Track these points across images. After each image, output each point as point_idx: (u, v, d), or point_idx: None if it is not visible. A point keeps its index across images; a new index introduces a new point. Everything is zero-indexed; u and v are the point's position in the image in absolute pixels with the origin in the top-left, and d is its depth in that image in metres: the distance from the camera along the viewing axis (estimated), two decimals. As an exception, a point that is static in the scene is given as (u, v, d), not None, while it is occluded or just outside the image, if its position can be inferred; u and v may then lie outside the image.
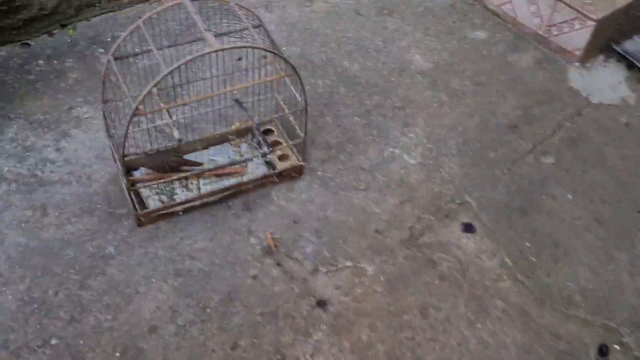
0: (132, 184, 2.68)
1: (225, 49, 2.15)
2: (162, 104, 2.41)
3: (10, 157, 2.78)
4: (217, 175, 2.77)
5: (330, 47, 3.57)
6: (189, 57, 2.11)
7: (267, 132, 2.98)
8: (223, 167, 2.66)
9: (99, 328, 2.28)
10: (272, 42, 2.54)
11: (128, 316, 2.32)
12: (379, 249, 2.64)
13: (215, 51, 2.12)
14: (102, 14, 3.52)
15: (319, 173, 2.91)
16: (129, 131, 2.20)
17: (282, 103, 2.86)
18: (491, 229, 2.74)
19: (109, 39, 3.37)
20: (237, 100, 2.76)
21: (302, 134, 2.73)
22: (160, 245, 2.55)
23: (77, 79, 3.16)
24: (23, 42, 3.31)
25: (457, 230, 2.74)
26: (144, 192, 2.68)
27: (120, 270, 2.45)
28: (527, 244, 2.71)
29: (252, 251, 2.57)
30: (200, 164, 2.74)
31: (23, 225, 2.55)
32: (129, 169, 2.71)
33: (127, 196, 2.44)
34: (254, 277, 2.49)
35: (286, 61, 2.39)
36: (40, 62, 3.23)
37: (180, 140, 2.29)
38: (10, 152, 2.80)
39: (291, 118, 2.80)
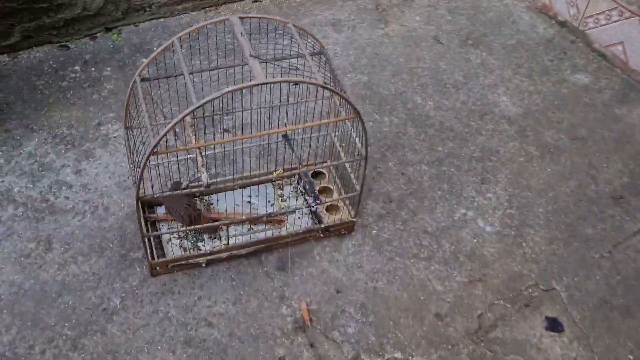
0: (151, 222, 2.28)
1: (270, 82, 1.71)
2: (193, 138, 1.99)
3: (24, 176, 2.44)
4: (251, 223, 2.33)
5: (402, 78, 3.08)
6: (225, 90, 1.68)
7: (317, 175, 2.53)
8: (260, 218, 2.22)
9: (84, 403, 1.87)
10: (334, 76, 2.08)
11: (121, 393, 1.91)
12: (438, 340, 2.13)
13: (257, 85, 1.69)
14: (151, 19, 3.17)
15: (373, 232, 2.43)
16: (144, 170, 1.79)
17: (338, 145, 2.39)
18: (584, 331, 2.17)
19: (155, 48, 3.01)
20: (285, 137, 2.32)
21: (357, 187, 2.26)
22: (174, 303, 2.13)
23: (112, 91, 2.81)
24: (62, 43, 3.00)
25: (539, 327, 2.18)
26: (165, 234, 2.27)
27: (123, 331, 2.04)
28: (630, 356, 2.13)
29: (281, 323, 2.11)
30: (218, 222, 2.29)
31: (22, 259, 2.19)
32: (149, 205, 2.32)
33: (142, 241, 2.04)
34: None
35: (349, 102, 1.92)
36: (77, 67, 2.90)
37: (208, 186, 1.87)
38: (25, 169, 2.46)
39: (348, 166, 2.33)
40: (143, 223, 2.17)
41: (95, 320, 2.06)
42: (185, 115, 1.68)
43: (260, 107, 2.24)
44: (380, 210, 2.50)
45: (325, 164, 2.44)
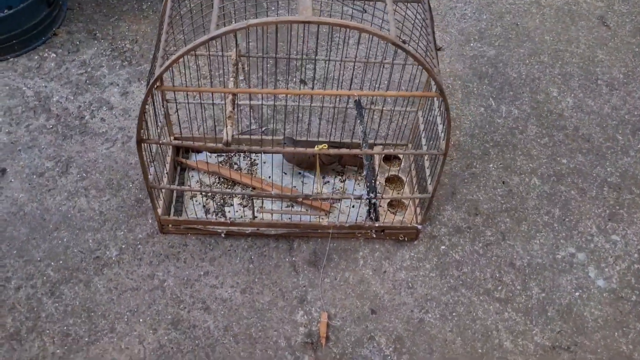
0: (182, 169, 1.92)
1: (314, 22, 1.21)
2: (231, 81, 1.56)
3: (68, 85, 2.18)
4: (292, 200, 1.89)
5: (541, 61, 2.40)
6: (250, 22, 1.21)
7: (392, 159, 2.01)
8: (294, 197, 1.76)
9: (39, 361, 1.59)
10: (428, 35, 1.52)
11: (80, 362, 1.60)
12: (483, 415, 1.58)
13: (293, 22, 1.20)
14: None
15: (442, 247, 1.88)
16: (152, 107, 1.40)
17: (422, 128, 1.84)
18: None
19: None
20: (357, 103, 1.82)
21: (430, 188, 1.71)
22: (175, 272, 1.77)
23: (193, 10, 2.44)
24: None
25: None
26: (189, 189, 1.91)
27: (108, 289, 1.73)
28: None
29: (291, 332, 1.68)
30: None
31: (34, 178, 1.94)
32: (185, 150, 1.95)
33: (148, 193, 1.67)
34: (274, 377, 1.61)
35: (431, 74, 1.37)
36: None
37: (227, 144, 1.44)
38: (72, 78, 2.20)
39: (426, 159, 1.79)
40: (167, 169, 1.81)
41: (84, 268, 1.76)
42: (193, 48, 1.25)
43: (333, 60, 1.74)
44: (459, 222, 1.94)
45: (386, 146, 1.89)
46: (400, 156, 1.99)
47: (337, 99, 1.93)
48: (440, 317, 1.74)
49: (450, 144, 1.56)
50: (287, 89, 1.90)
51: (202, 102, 1.75)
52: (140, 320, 1.68)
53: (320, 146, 1.59)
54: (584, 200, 2.01)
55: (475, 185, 2.03)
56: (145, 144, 1.51)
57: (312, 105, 1.80)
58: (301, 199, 1.67)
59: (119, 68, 2.25)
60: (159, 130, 1.71)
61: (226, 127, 1.48)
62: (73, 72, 2.22)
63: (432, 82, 1.53)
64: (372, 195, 1.66)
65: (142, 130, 1.47)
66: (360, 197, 1.68)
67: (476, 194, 2.01)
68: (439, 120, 1.61)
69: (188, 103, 1.84)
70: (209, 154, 1.98)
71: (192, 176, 1.95)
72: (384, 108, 1.87)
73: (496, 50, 2.44)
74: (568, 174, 2.08)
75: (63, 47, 2.30)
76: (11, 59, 2.23)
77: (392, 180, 1.96)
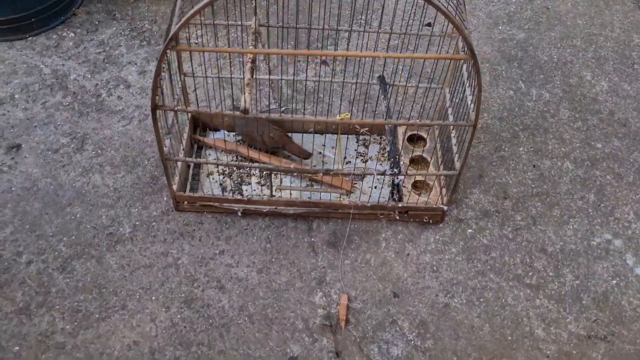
0: (199, 147, 1.87)
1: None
2: (250, 47, 1.50)
3: (86, 64, 2.15)
4: (312, 180, 1.82)
5: (573, 45, 2.30)
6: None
7: (417, 139, 1.93)
8: (313, 172, 1.69)
9: (44, 339, 1.53)
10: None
11: (89, 339, 1.54)
12: (513, 405, 1.48)
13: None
14: None
15: (469, 231, 1.79)
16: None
17: (448, 103, 1.76)
18: None
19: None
20: (381, 79, 1.74)
21: (457, 165, 1.62)
22: (189, 250, 1.70)
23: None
24: None
25: None
26: (206, 166, 1.85)
27: (121, 265, 1.67)
28: None
29: (309, 313, 1.60)
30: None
31: (49, 153, 1.89)
32: (204, 128, 1.90)
33: (163, 165, 1.61)
34: None
35: (461, 33, 1.29)
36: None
37: (245, 112, 1.38)
38: (90, 57, 2.17)
39: (453, 136, 1.70)
40: (183, 145, 1.76)
41: (97, 244, 1.70)
42: (211, 1, 1.18)
43: (364, 31, 1.67)
44: (487, 206, 1.84)
45: (410, 126, 1.80)
46: (425, 136, 1.91)
47: (361, 76, 1.86)
48: (467, 303, 1.64)
49: (479, 114, 1.47)
50: (307, 65, 1.84)
51: (220, 76, 1.69)
52: (153, 298, 1.61)
53: (342, 115, 1.51)
54: (621, 185, 1.90)
55: (504, 168, 1.93)
56: (160, 111, 1.45)
57: (332, 80, 1.73)
58: (321, 175, 1.59)
59: (137, 47, 2.21)
60: (175, 102, 1.65)
61: (244, 94, 1.41)
62: (91, 51, 2.19)
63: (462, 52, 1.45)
64: (395, 170, 1.57)
65: (157, 97, 1.42)
66: (383, 173, 1.60)
67: (505, 177, 1.91)
68: (467, 90, 1.53)
69: (206, 77, 1.78)
70: (227, 133, 1.92)
71: (209, 154, 1.89)
72: (408, 84, 1.79)
73: (526, 33, 2.34)
74: (603, 158, 1.97)
75: (82, 27, 2.27)
76: (30, 38, 2.20)
77: (417, 162, 1.88)
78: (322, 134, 1.94)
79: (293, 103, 2.04)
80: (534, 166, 1.94)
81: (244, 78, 1.45)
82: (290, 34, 2.19)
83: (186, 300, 1.61)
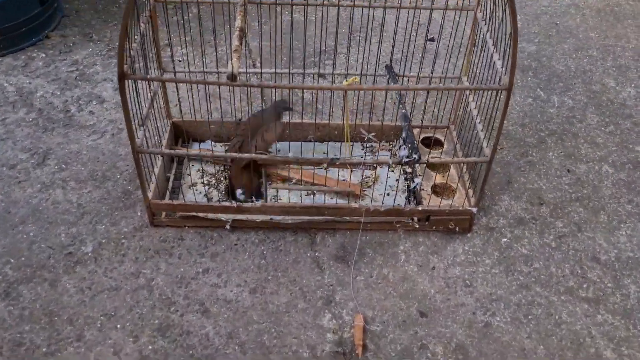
0: (179, 161, 1.60)
1: None
2: (239, 18, 1.29)
3: (56, 82, 1.92)
4: (314, 184, 1.54)
5: (590, 55, 2.13)
6: None
7: (431, 143, 1.68)
8: (331, 162, 1.42)
9: (-23, 378, 1.18)
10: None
11: (33, 377, 1.18)
12: None
13: None
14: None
15: (504, 240, 1.49)
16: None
17: (468, 92, 1.53)
18: None
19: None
20: (389, 68, 1.52)
21: (487, 151, 1.36)
22: (167, 269, 1.39)
23: (196, 15, 2.24)
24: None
25: None
26: (189, 176, 1.57)
27: (79, 289, 1.34)
28: None
29: (316, 340, 1.26)
30: (288, 180, 1.55)
31: (3, 170, 1.61)
32: (187, 138, 1.65)
33: (134, 159, 1.33)
34: (294, 397, 1.18)
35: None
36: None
37: (232, 78, 1.14)
38: (61, 75, 1.95)
39: (478, 125, 1.45)
40: (162, 149, 1.49)
41: (51, 266, 1.38)
42: None
43: (369, 7, 1.47)
44: (520, 213, 1.56)
45: (423, 129, 1.54)
46: (441, 137, 1.66)
47: (366, 66, 1.63)
48: (512, 321, 1.31)
49: (514, 77, 1.23)
50: (304, 78, 1.62)
51: (204, 71, 1.46)
52: (118, 326, 1.28)
53: (350, 79, 1.27)
54: (671, 188, 1.64)
55: (534, 173, 1.67)
56: (130, 80, 1.20)
57: (334, 72, 1.51)
58: (326, 165, 1.32)
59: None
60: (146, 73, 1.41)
61: (231, 60, 1.18)
62: (63, 70, 1.97)
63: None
64: (415, 156, 1.30)
65: (125, 65, 1.17)
66: (400, 162, 1.33)
67: (537, 183, 1.64)
68: (492, 49, 1.29)
69: (189, 72, 1.55)
70: (214, 143, 1.67)
71: (193, 165, 1.62)
72: (425, 76, 1.56)
73: (537, 46, 2.17)
74: (645, 161, 1.72)
75: (54, 48, 2.07)
76: (-5, 59, 2.00)
77: (436, 167, 1.62)
78: (322, 142, 1.69)
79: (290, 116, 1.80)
80: (568, 170, 1.68)
81: (232, 45, 1.22)
82: (284, 51, 2.01)
83: (160, 328, 1.27)
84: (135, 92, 1.27)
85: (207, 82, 1.21)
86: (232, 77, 1.17)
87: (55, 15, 2.16)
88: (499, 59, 1.29)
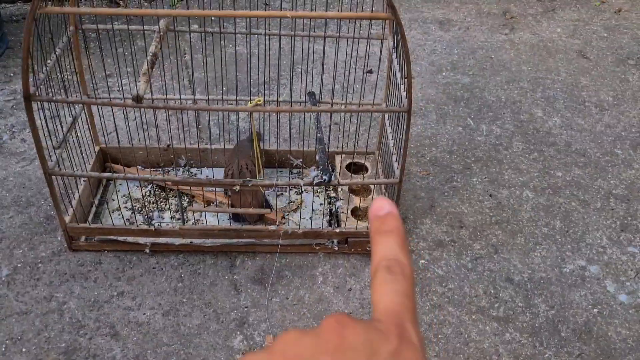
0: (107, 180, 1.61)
1: None
2: (153, 45, 1.33)
3: (-8, 110, 1.94)
4: (229, 189, 1.55)
5: (520, 87, 2.21)
6: None
7: (357, 169, 1.71)
8: (243, 184, 1.44)
9: None
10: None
11: None
12: None
13: None
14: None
15: (422, 262, 1.51)
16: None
17: (387, 120, 1.57)
18: None
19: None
20: (310, 94, 1.57)
21: (397, 172, 1.40)
22: (80, 292, 1.38)
23: (142, 48, 2.29)
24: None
25: None
26: (114, 201, 1.58)
27: (-11, 312, 1.33)
28: None
29: (224, 362, 1.26)
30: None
31: None
32: (107, 159, 1.66)
33: (46, 180, 1.34)
34: (196, 418, 1.16)
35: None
36: (116, 22, 2.45)
37: (138, 100, 1.17)
38: (-2, 104, 1.97)
39: (391, 148, 1.49)
40: (85, 171, 1.50)
41: (-37, 290, 1.37)
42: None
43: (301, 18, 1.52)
44: (441, 236, 1.59)
45: (348, 155, 1.57)
46: (368, 164, 1.70)
47: (296, 95, 1.67)
48: (431, 342, 1.32)
49: (411, 100, 1.28)
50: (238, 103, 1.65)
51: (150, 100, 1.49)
52: (23, 349, 1.26)
53: (254, 101, 1.31)
54: (588, 211, 1.68)
55: (457, 198, 1.71)
56: (36, 103, 1.23)
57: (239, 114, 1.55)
58: (238, 186, 1.34)
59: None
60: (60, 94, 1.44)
61: (138, 82, 1.21)
62: (0, 99, 1.99)
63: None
64: (325, 177, 1.33)
65: (32, 87, 1.20)
66: (311, 183, 1.36)
67: (459, 207, 1.68)
68: (398, 74, 1.35)
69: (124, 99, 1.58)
70: (141, 168, 1.68)
71: (119, 190, 1.63)
72: (338, 102, 1.61)
73: (471, 78, 2.25)
74: (565, 186, 1.77)
75: (-6, 78, 2.09)
76: None
77: (358, 191, 1.65)
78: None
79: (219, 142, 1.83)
80: (490, 195, 1.73)
81: (141, 69, 1.26)
82: (224, 82, 2.05)
83: (66, 351, 1.26)
84: (51, 115, 1.29)
85: (112, 104, 1.24)
86: (138, 99, 1.20)
87: (-1, 47, 2.19)
88: (402, 84, 1.34)
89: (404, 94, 1.31)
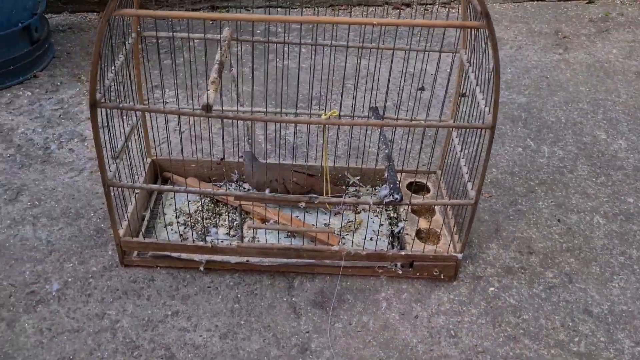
0: (162, 179, 1.55)
1: None
2: (219, 53, 1.27)
3: (38, 120, 1.89)
4: (292, 205, 1.48)
5: (579, 108, 2.12)
6: None
7: (417, 189, 1.63)
8: (308, 201, 1.37)
9: None
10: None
11: None
12: None
13: None
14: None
15: (491, 289, 1.42)
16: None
17: (455, 136, 1.49)
18: None
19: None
20: (373, 109, 1.49)
21: (472, 193, 1.31)
22: (133, 311, 1.31)
23: (188, 59, 2.25)
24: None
25: None
26: (165, 215, 1.52)
27: (39, 330, 1.26)
28: None
29: (287, 392, 1.17)
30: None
31: (-26, 205, 1.56)
32: (163, 174, 1.61)
33: (105, 192, 1.28)
34: None
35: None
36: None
37: (207, 109, 1.11)
38: (45, 114, 1.92)
39: (463, 167, 1.41)
40: (139, 182, 1.44)
41: (11, 304, 1.31)
42: None
43: (361, 47, 1.45)
44: (509, 262, 1.49)
45: (410, 173, 1.49)
46: (430, 184, 1.62)
47: (354, 109, 1.60)
48: (500, 376, 1.23)
49: (497, 117, 1.20)
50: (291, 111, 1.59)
51: (191, 109, 1.44)
52: (75, 371, 1.19)
53: (329, 113, 1.24)
54: (666, 240, 1.58)
55: (524, 222, 1.62)
56: (104, 111, 1.17)
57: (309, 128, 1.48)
58: (304, 203, 1.27)
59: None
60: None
61: (207, 90, 1.15)
62: (47, 108, 1.95)
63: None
64: (396, 196, 1.25)
65: (96, 90, 1.14)
66: (381, 202, 1.28)
67: (526, 232, 1.59)
68: (478, 90, 1.27)
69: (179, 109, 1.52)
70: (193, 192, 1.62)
71: (170, 205, 1.56)
72: (408, 119, 1.54)
73: (527, 97, 2.17)
74: (639, 213, 1.67)
75: (41, 87, 2.06)
76: (-21, 95, 1.98)
77: (420, 212, 1.57)
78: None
79: (274, 157, 1.76)
80: (558, 220, 1.63)
81: (209, 77, 1.20)
82: (272, 96, 2.00)
83: (121, 374, 1.19)
84: (110, 125, 1.23)
85: (180, 113, 1.17)
86: (207, 108, 1.14)
87: (46, 55, 2.16)
88: (482, 99, 1.26)
89: (485, 109, 1.23)
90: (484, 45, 1.20)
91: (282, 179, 1.48)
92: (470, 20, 1.31)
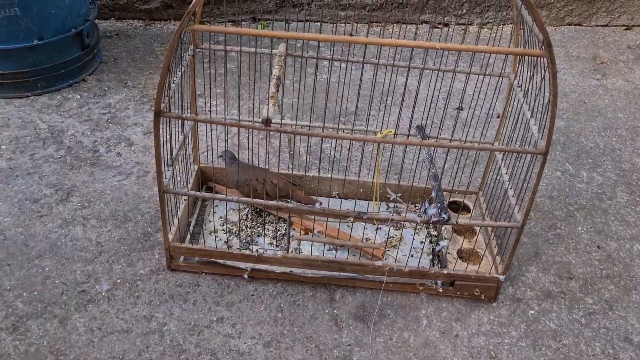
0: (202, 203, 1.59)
1: None
2: (276, 68, 1.31)
3: (87, 123, 1.95)
4: (340, 219, 1.50)
5: (618, 135, 2.12)
6: None
7: (457, 208, 1.65)
8: (357, 216, 1.39)
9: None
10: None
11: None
12: None
13: None
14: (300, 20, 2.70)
15: (531, 312, 1.43)
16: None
17: (499, 158, 1.51)
18: None
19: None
20: (420, 127, 1.52)
21: (519, 216, 1.33)
22: (180, 314, 1.34)
23: (231, 71, 2.29)
24: (203, 23, 2.63)
25: None
26: (211, 222, 1.55)
27: (89, 329, 1.30)
28: None
29: (329, 403, 1.19)
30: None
31: (26, 203, 1.61)
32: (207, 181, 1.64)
33: (160, 198, 1.32)
34: None
35: (537, 15, 1.10)
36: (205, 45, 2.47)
37: (266, 123, 1.14)
38: (93, 117, 1.98)
39: (509, 190, 1.42)
40: (187, 189, 1.48)
41: (64, 302, 1.35)
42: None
43: (410, 68, 1.48)
44: (549, 286, 1.50)
45: (452, 193, 1.51)
46: (470, 203, 1.63)
47: (398, 127, 1.63)
48: (539, 399, 1.24)
49: (550, 140, 1.22)
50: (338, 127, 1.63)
51: (240, 120, 1.48)
52: (124, 370, 1.22)
53: (385, 132, 1.26)
54: None
55: (563, 247, 1.63)
56: (164, 118, 1.21)
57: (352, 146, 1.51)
58: (352, 219, 1.29)
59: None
60: (180, 111, 1.42)
61: (267, 105, 1.19)
62: (95, 111, 2.01)
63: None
64: (444, 216, 1.28)
65: (162, 100, 1.18)
66: (428, 221, 1.30)
67: (566, 257, 1.59)
68: (528, 114, 1.29)
69: (225, 119, 1.56)
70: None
71: (216, 212, 1.60)
72: (448, 138, 1.56)
73: (565, 122, 2.18)
74: (678, 243, 1.67)
75: (90, 91, 2.11)
76: (31, 97, 2.04)
77: (460, 231, 1.58)
78: (347, 199, 1.67)
79: (314, 171, 1.79)
80: (598, 247, 1.64)
81: (268, 92, 1.23)
82: (314, 110, 2.03)
83: (168, 376, 1.22)
84: (167, 133, 1.27)
85: (240, 125, 1.21)
86: (267, 122, 1.17)
87: (94, 60, 2.22)
88: (534, 124, 1.28)
89: (537, 134, 1.25)
90: (542, 72, 1.22)
91: (262, 179, 1.50)
92: (523, 44, 1.33)
